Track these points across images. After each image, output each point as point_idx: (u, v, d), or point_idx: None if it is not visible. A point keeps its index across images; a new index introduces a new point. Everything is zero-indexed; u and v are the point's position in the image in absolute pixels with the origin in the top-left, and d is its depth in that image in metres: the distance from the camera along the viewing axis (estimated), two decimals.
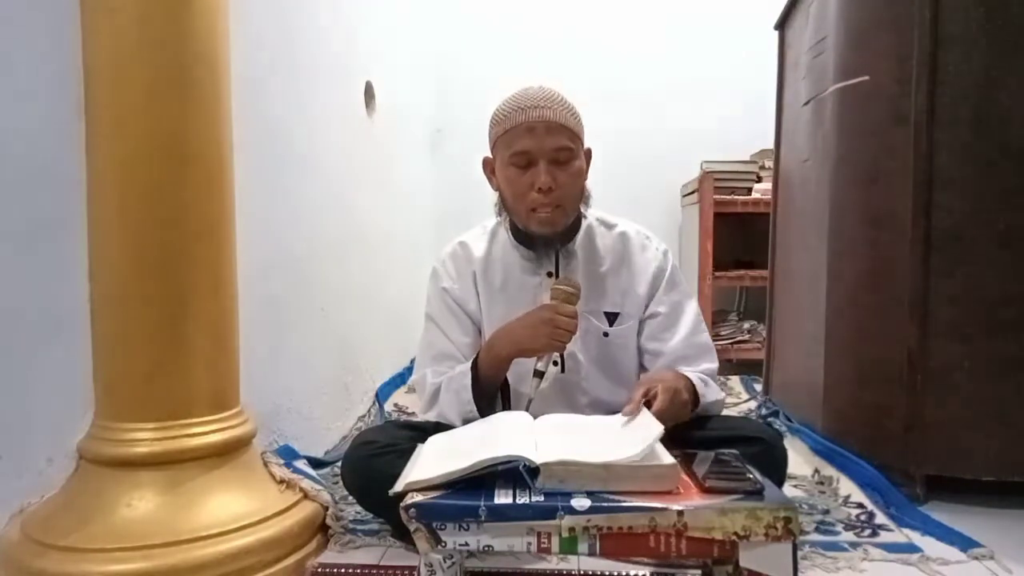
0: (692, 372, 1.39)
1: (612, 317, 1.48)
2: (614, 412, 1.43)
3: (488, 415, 1.36)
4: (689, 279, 3.20)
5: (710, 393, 1.39)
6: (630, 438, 1.00)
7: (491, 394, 1.41)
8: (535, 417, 1.24)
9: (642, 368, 1.51)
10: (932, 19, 1.53)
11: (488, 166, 1.49)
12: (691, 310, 1.50)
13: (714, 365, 1.46)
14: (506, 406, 1.44)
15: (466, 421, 1.36)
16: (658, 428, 1.02)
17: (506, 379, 1.43)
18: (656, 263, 1.51)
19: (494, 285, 1.51)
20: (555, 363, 1.42)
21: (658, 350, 1.47)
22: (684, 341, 1.46)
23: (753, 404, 2.49)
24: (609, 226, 1.55)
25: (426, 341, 1.52)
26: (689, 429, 1.32)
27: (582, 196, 1.46)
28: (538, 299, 1.46)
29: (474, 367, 1.39)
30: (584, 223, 1.52)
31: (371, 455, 1.33)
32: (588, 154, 1.47)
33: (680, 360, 1.44)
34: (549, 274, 1.49)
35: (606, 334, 1.47)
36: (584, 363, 1.46)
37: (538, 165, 1.36)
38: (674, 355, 1.45)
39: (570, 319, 1.32)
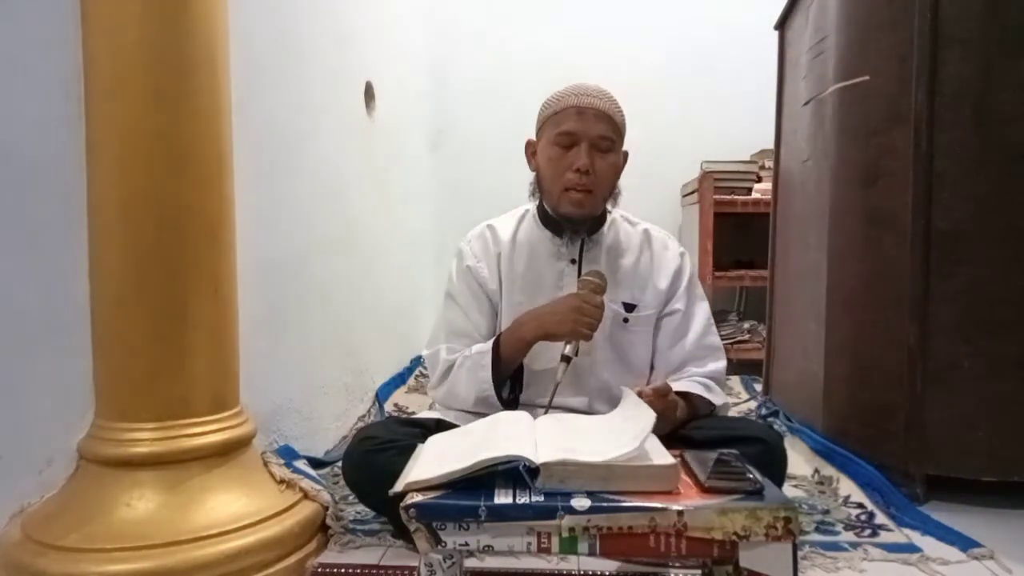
0: (692, 384, 1.41)
1: (630, 308, 1.51)
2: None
3: (501, 396, 1.39)
4: None
5: (714, 399, 1.43)
6: (626, 434, 1.00)
7: (507, 375, 1.43)
8: (550, 402, 1.28)
9: (651, 366, 1.53)
10: (932, 19, 1.53)
11: (530, 148, 1.55)
12: (703, 312, 1.54)
13: (721, 364, 1.50)
14: (516, 390, 1.45)
15: (478, 399, 1.39)
16: (650, 416, 1.03)
17: (521, 365, 1.45)
18: (677, 262, 1.55)
19: (517, 269, 1.53)
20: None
21: (670, 351, 1.50)
22: (695, 343, 1.50)
23: (753, 404, 2.49)
24: (633, 223, 1.61)
25: (444, 318, 1.55)
26: (689, 429, 1.33)
27: (613, 191, 1.51)
28: (560, 285, 1.50)
29: (495, 349, 1.41)
30: (610, 217, 1.57)
31: (372, 451, 1.34)
32: (625, 156, 1.52)
33: (690, 360, 1.49)
34: (572, 261, 1.52)
35: (626, 320, 1.50)
36: (599, 347, 1.48)
37: (580, 147, 1.42)
38: (685, 357, 1.49)
39: (596, 308, 1.36)
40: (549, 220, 1.53)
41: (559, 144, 1.44)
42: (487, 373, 1.39)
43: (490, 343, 1.43)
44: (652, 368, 1.53)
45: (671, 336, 1.51)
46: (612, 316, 1.48)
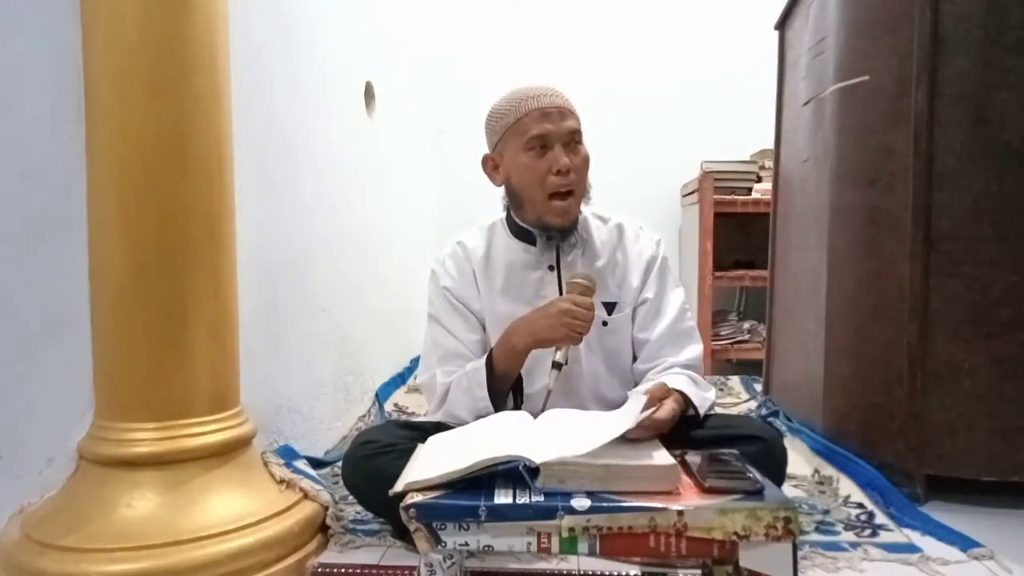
0: (685, 381, 1.37)
1: (610, 307, 1.49)
2: (614, 405, 1.42)
3: (503, 411, 1.36)
4: (689, 279, 3.21)
5: (704, 398, 1.38)
6: (620, 417, 1.01)
7: (505, 390, 1.40)
8: (543, 410, 1.26)
9: (634, 358, 1.51)
10: (932, 19, 1.53)
11: (489, 163, 1.51)
12: (676, 298, 1.51)
13: (698, 350, 1.47)
14: (518, 403, 1.43)
15: (479, 419, 1.35)
16: (642, 397, 1.06)
17: (520, 376, 1.43)
18: (649, 252, 1.53)
19: (495, 282, 1.51)
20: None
21: (645, 338, 1.48)
22: (669, 328, 1.47)
23: (753, 404, 2.49)
24: (604, 220, 1.58)
25: (432, 341, 1.51)
26: (689, 428, 1.32)
27: (586, 187, 1.48)
28: (541, 294, 1.47)
29: (488, 364, 1.38)
30: (580, 217, 1.53)
31: (372, 454, 1.33)
32: None
33: (666, 345, 1.46)
34: (551, 267, 1.50)
35: (605, 323, 1.48)
36: (584, 353, 1.47)
37: (554, 149, 1.40)
38: (660, 342, 1.47)
39: (587, 310, 1.33)
40: (520, 230, 1.51)
41: (532, 149, 1.40)
42: (483, 391, 1.36)
43: (483, 359, 1.40)
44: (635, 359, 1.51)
45: (644, 323, 1.48)
46: (594, 321, 1.45)
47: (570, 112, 1.43)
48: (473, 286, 1.51)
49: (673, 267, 1.57)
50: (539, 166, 1.40)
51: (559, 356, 1.33)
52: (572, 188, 1.41)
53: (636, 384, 1.47)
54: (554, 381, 1.33)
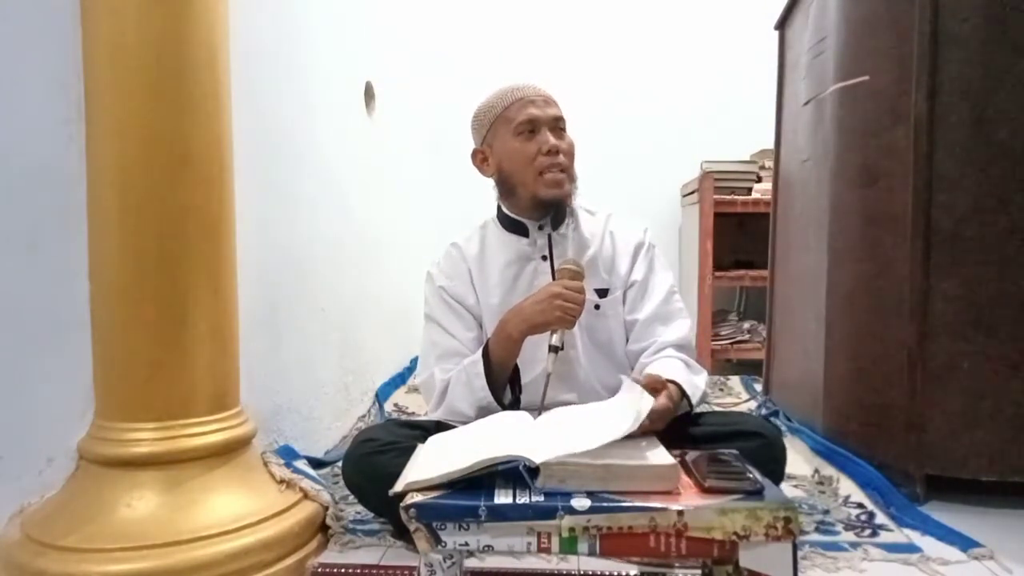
0: (680, 368, 1.38)
1: (602, 293, 1.52)
2: (611, 390, 1.42)
3: (503, 401, 1.38)
4: (689, 279, 3.21)
5: (696, 386, 1.37)
6: (622, 414, 1.01)
7: (504, 380, 1.41)
8: (544, 395, 1.29)
9: (627, 340, 1.52)
10: (932, 19, 1.53)
11: (479, 155, 1.55)
12: (664, 280, 1.54)
13: (687, 326, 1.49)
14: (516, 393, 1.44)
15: (480, 410, 1.37)
16: (648, 400, 1.05)
17: (516, 367, 1.43)
18: (636, 239, 1.56)
19: (490, 278, 1.53)
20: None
21: (635, 318, 1.50)
22: (658, 308, 1.50)
23: (753, 404, 2.49)
24: (592, 212, 1.62)
25: (429, 341, 1.52)
26: (688, 425, 1.33)
27: (574, 174, 1.52)
28: (535, 284, 1.49)
29: (485, 355, 1.40)
30: (569, 210, 1.56)
31: (372, 452, 1.34)
32: None
33: (655, 323, 1.48)
34: (544, 258, 1.52)
35: (597, 306, 1.50)
36: (579, 338, 1.48)
37: (542, 132, 1.46)
38: (649, 321, 1.48)
39: (578, 293, 1.35)
40: (512, 223, 1.54)
41: (521, 134, 1.46)
42: (482, 381, 1.37)
43: (479, 352, 1.41)
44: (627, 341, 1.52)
45: (633, 304, 1.51)
46: (586, 306, 1.46)
47: (553, 101, 1.49)
48: (468, 284, 1.53)
49: (672, 265, 1.58)
50: (529, 148, 1.46)
51: (555, 340, 1.34)
52: (562, 167, 1.46)
53: (631, 366, 1.48)
54: (552, 364, 1.33)
